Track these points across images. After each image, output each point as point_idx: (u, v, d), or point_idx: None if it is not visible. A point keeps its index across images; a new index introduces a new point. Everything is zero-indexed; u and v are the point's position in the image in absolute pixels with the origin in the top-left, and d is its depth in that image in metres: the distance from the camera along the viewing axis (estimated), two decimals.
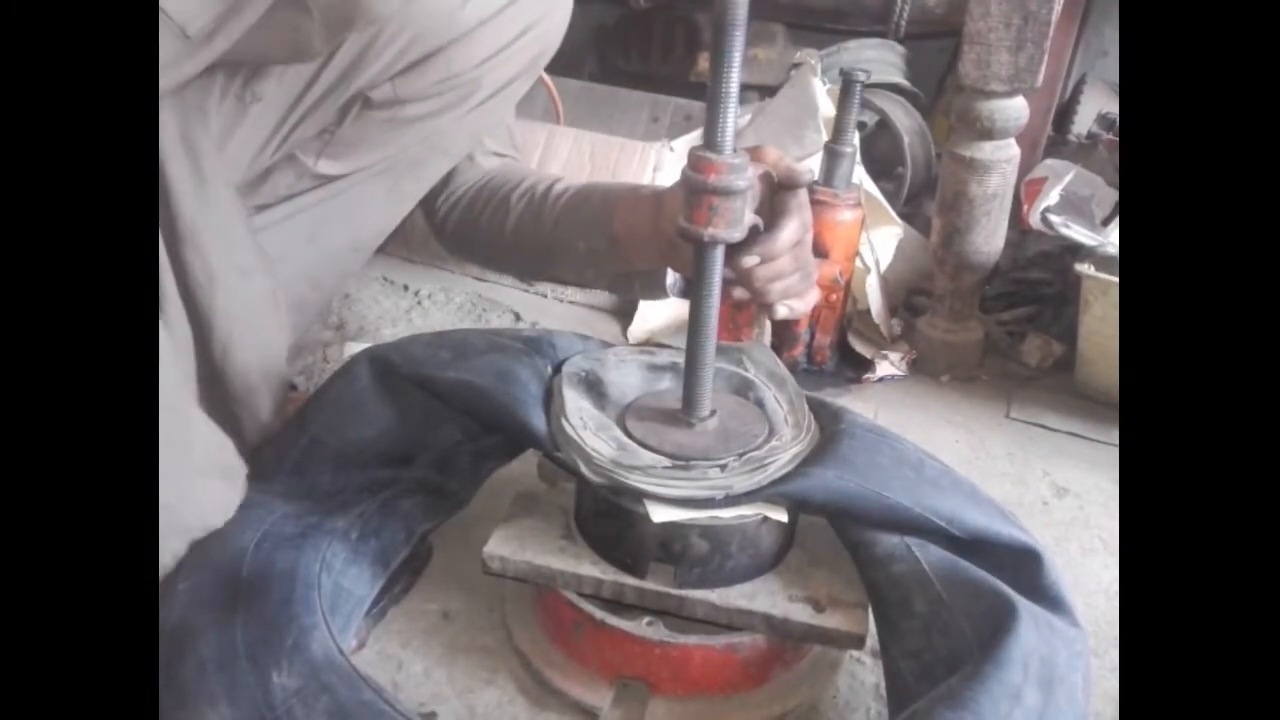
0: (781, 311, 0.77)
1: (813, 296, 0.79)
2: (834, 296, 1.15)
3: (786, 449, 0.67)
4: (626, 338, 1.27)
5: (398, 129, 0.79)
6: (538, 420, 0.69)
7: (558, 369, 0.75)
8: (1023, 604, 0.60)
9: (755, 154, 0.70)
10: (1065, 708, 0.57)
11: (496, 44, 0.77)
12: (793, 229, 0.73)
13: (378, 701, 0.57)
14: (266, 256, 0.77)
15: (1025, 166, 1.30)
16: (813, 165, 1.15)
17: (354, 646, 0.72)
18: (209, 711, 0.56)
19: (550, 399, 0.71)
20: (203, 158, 0.72)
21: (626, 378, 0.75)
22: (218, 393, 0.73)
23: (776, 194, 0.72)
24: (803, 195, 0.73)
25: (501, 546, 0.69)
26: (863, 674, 0.75)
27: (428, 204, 0.95)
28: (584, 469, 0.66)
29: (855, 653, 0.74)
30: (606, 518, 0.68)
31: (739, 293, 0.78)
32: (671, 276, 1.36)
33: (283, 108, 0.75)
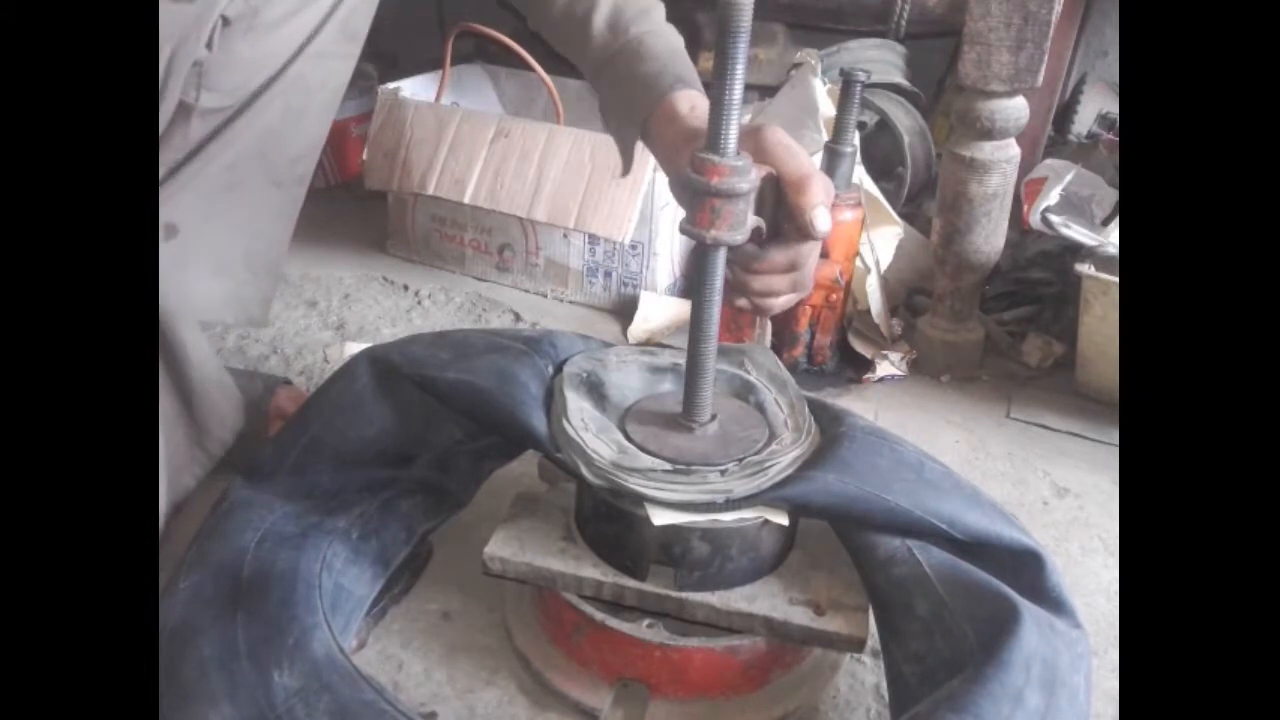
0: (742, 304, 0.75)
1: (787, 303, 0.76)
2: (834, 296, 1.15)
3: (786, 453, 0.67)
4: (627, 338, 1.27)
5: (263, 38, 0.77)
6: (538, 421, 0.69)
7: (559, 369, 0.75)
8: (1025, 606, 0.60)
9: (800, 188, 0.66)
10: (1067, 710, 0.57)
11: None
12: (780, 261, 0.71)
13: (379, 701, 0.57)
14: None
15: (1025, 166, 1.30)
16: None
17: (354, 646, 0.72)
18: (210, 711, 0.56)
19: (551, 399, 0.71)
20: None
21: (628, 379, 0.75)
22: (175, 381, 0.74)
23: (786, 220, 0.69)
24: (805, 249, 0.70)
25: (502, 548, 0.70)
26: (863, 674, 0.75)
27: None
28: (584, 471, 0.66)
29: (855, 653, 0.74)
30: (607, 520, 0.68)
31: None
32: (672, 277, 1.36)
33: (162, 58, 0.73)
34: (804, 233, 0.67)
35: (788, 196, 0.66)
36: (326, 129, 0.88)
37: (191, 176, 0.78)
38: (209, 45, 0.74)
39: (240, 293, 0.81)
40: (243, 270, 0.83)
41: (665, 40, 0.79)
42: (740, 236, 0.63)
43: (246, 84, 0.77)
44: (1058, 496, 1.00)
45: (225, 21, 0.74)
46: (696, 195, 0.61)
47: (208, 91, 0.76)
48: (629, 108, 0.78)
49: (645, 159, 1.29)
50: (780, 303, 0.74)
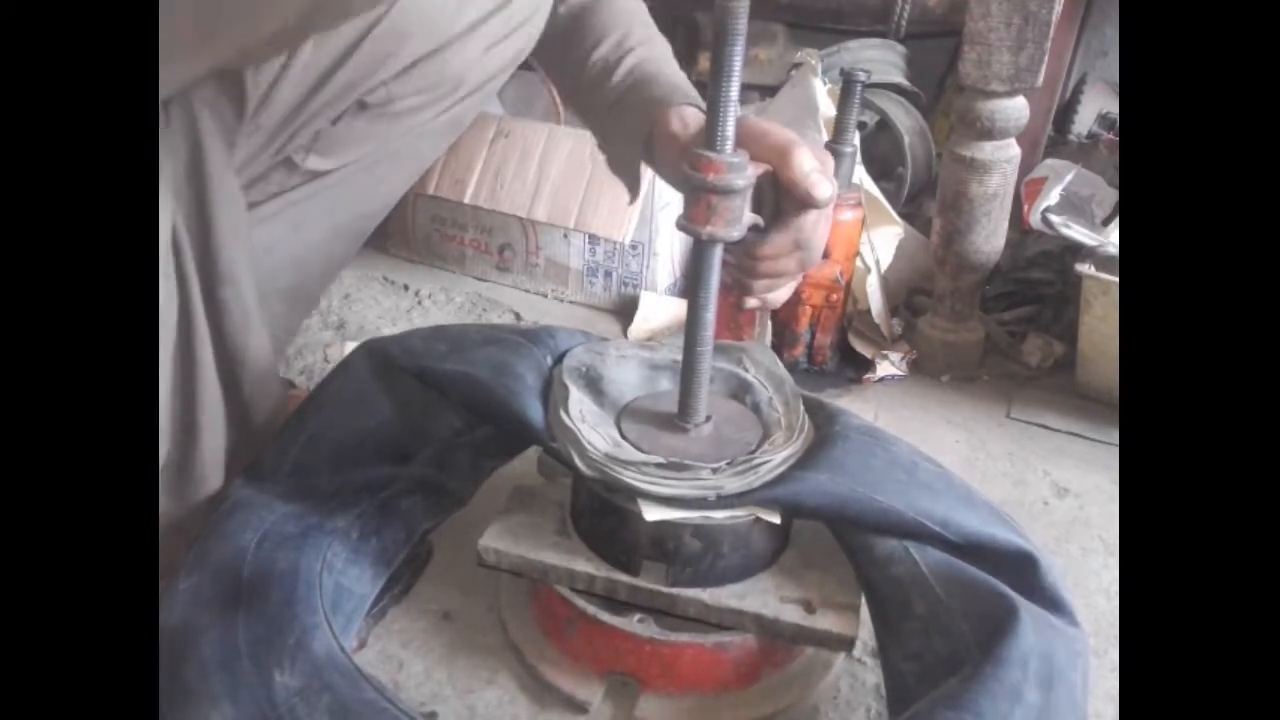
0: (751, 303, 0.76)
1: (788, 291, 0.77)
2: (834, 296, 1.15)
3: (777, 451, 0.67)
4: (627, 338, 1.27)
5: (385, 123, 0.80)
6: (534, 412, 0.69)
7: (558, 361, 0.75)
8: (1022, 603, 0.60)
9: (784, 158, 0.65)
10: (1065, 706, 0.57)
11: (487, 43, 0.79)
12: (779, 244, 0.70)
13: (379, 700, 0.57)
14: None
15: (1026, 166, 1.30)
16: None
17: (355, 646, 0.72)
18: (211, 711, 0.56)
19: (548, 391, 0.72)
20: (235, 189, 0.74)
21: (626, 375, 0.75)
22: (227, 399, 0.76)
23: (783, 198, 0.69)
24: (807, 219, 0.69)
25: (497, 540, 0.70)
26: (863, 674, 0.75)
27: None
28: (578, 461, 0.66)
29: (855, 652, 0.74)
30: (601, 514, 0.68)
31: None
32: (673, 277, 1.36)
33: (280, 122, 0.76)
34: (806, 205, 0.66)
35: (780, 176, 0.65)
36: (403, 192, 0.91)
37: (268, 216, 0.81)
38: (334, 121, 0.78)
39: (271, 322, 0.83)
40: (280, 303, 0.86)
41: (675, 75, 0.85)
42: (736, 233, 0.63)
43: (352, 155, 0.82)
44: (1058, 496, 1.00)
45: (362, 106, 0.78)
46: (693, 191, 0.62)
47: (316, 156, 0.80)
48: (637, 125, 0.81)
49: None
50: (785, 292, 0.75)
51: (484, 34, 0.78)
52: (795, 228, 0.69)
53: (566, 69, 0.92)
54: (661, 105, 0.79)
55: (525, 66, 1.47)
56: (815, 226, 0.70)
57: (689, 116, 0.77)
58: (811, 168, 0.65)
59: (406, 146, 0.85)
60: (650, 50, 0.87)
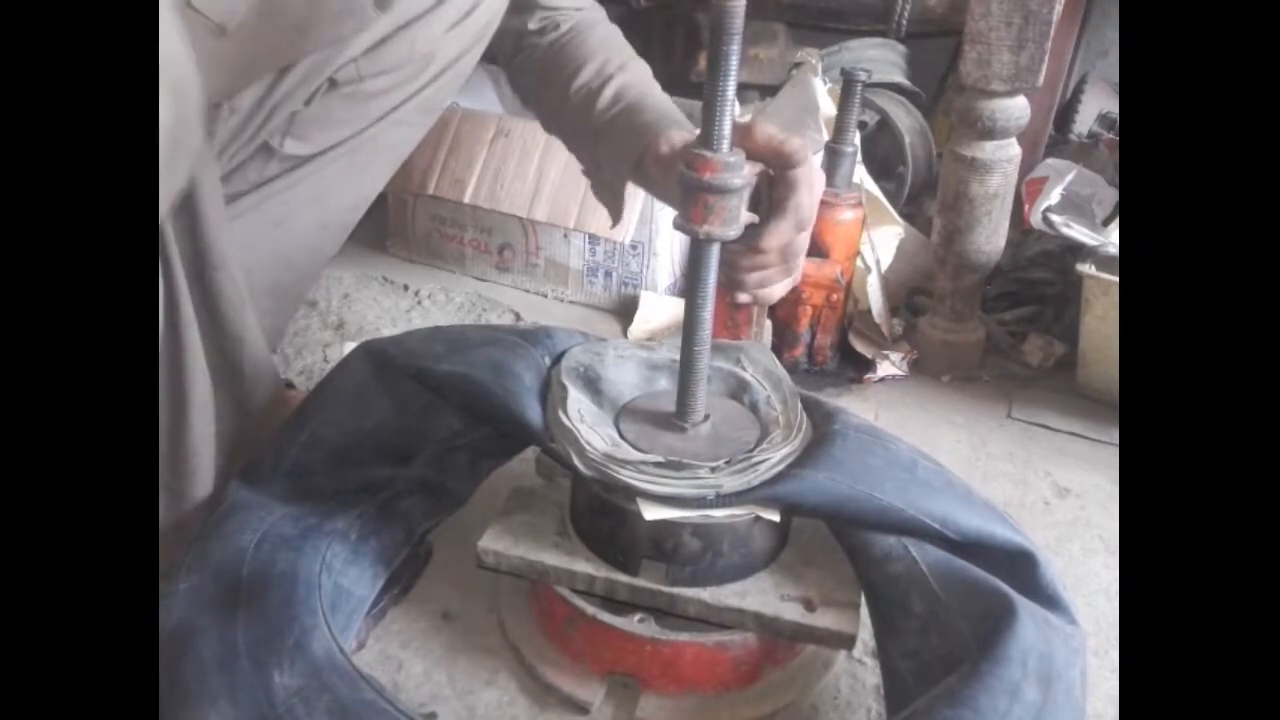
0: (743, 299, 0.76)
1: (783, 289, 0.77)
2: (835, 296, 1.15)
3: (776, 450, 0.67)
4: (627, 338, 1.27)
5: (359, 104, 0.82)
6: (532, 413, 0.69)
7: (556, 361, 0.75)
8: (1020, 601, 0.60)
9: (746, 133, 0.67)
10: (1063, 704, 0.57)
11: (451, 20, 0.82)
12: (783, 230, 0.70)
13: (379, 701, 0.57)
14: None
15: (1026, 166, 1.30)
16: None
17: (354, 647, 0.72)
18: (210, 711, 0.56)
19: (547, 391, 0.72)
20: (216, 177, 0.74)
21: (624, 375, 0.75)
22: (228, 385, 0.76)
23: (775, 186, 0.70)
24: (801, 194, 0.70)
25: (496, 541, 0.70)
26: (863, 674, 0.75)
27: (502, 55, 0.98)
28: (577, 461, 0.66)
29: (855, 653, 0.74)
30: (600, 514, 0.68)
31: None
32: (672, 277, 1.36)
33: (255, 104, 0.76)
34: (783, 163, 0.68)
35: (749, 149, 0.66)
36: (383, 184, 0.93)
37: (248, 208, 0.82)
38: (308, 102, 0.79)
39: (259, 320, 0.83)
40: (267, 299, 0.86)
41: (661, 99, 0.88)
42: (734, 232, 0.63)
43: (329, 139, 0.83)
44: (1059, 496, 1.00)
45: (332, 84, 0.79)
46: (690, 191, 0.62)
47: (293, 139, 0.81)
48: (626, 152, 0.83)
49: None
50: (778, 290, 0.75)
51: (447, 11, 0.81)
52: (793, 208, 0.70)
53: (547, 99, 0.94)
54: (651, 131, 0.81)
55: None
56: (801, 237, 0.72)
57: (677, 140, 0.79)
58: (774, 131, 0.68)
59: (382, 135, 0.86)
60: (632, 75, 0.90)
